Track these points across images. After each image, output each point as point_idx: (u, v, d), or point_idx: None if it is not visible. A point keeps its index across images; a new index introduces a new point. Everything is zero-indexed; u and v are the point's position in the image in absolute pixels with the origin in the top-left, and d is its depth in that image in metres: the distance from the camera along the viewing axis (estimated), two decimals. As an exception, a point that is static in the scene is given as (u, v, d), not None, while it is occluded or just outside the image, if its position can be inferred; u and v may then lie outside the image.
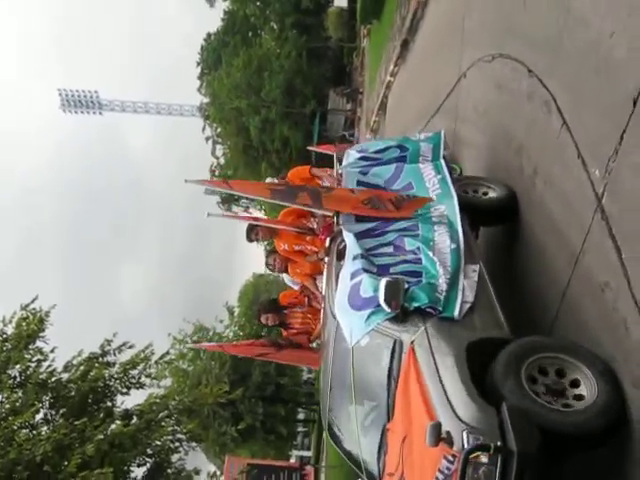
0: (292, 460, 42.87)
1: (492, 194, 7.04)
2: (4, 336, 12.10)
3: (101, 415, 11.90)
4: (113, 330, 13.20)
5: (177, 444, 12.82)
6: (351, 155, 7.47)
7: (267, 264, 8.96)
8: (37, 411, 11.25)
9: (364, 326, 4.85)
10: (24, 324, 12.14)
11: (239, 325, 33.15)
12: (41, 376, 11.74)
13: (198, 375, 28.25)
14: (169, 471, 12.61)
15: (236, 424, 26.26)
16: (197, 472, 13.16)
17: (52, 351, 12.30)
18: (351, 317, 5.05)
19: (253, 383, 29.07)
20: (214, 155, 54.39)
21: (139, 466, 12.22)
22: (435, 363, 4.39)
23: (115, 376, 12.64)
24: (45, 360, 12.14)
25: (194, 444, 14.05)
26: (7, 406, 11.21)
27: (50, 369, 12.09)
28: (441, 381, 4.26)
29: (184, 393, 14.54)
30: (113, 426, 11.63)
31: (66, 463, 10.31)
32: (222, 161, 54.57)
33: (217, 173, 57.04)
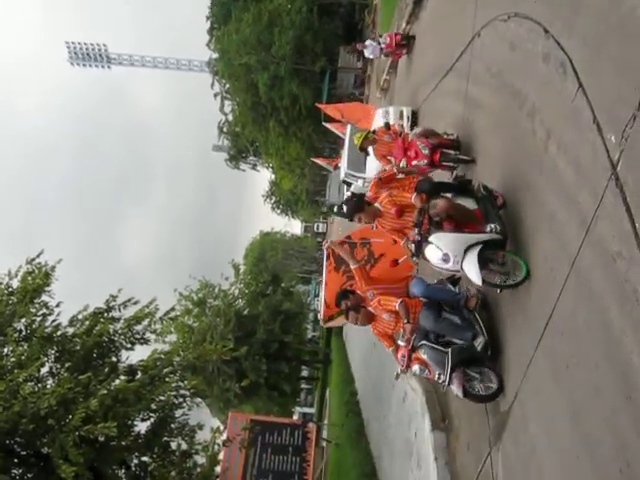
0: (295, 417, 43.35)
1: None
2: (10, 290, 12.10)
3: (105, 370, 11.97)
4: (119, 286, 13.24)
5: (181, 400, 12.88)
6: None
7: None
8: (42, 365, 11.33)
9: None
10: (30, 278, 12.13)
11: (244, 282, 33.19)
12: (46, 330, 11.74)
13: (203, 332, 28.36)
14: (172, 426, 12.69)
15: (240, 381, 26.36)
16: (200, 427, 13.22)
17: (57, 305, 12.32)
18: None
19: (257, 340, 29.20)
20: (222, 111, 54.07)
21: (143, 421, 12.32)
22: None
23: (120, 331, 12.66)
24: (50, 314, 12.17)
25: (198, 400, 14.12)
26: (12, 359, 11.26)
27: (55, 323, 12.11)
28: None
29: (189, 349, 14.56)
30: (117, 381, 11.67)
31: (70, 417, 10.38)
32: (230, 118, 54.25)
33: (225, 130, 56.80)
